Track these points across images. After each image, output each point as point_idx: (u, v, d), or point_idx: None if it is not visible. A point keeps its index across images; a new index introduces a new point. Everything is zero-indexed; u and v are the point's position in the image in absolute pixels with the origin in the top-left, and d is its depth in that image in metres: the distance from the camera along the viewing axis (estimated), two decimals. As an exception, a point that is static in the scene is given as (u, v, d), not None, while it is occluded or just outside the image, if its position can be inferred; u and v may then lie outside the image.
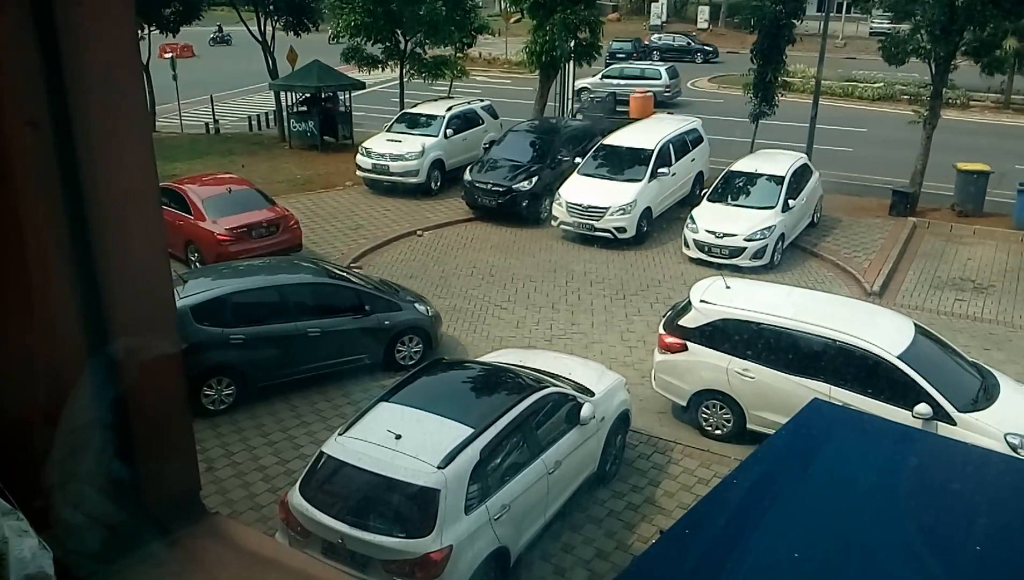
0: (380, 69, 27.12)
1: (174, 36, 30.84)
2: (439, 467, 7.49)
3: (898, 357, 9.95)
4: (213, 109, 31.53)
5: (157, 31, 29.03)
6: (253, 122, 31.13)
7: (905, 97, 33.32)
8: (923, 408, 9.55)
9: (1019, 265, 17.33)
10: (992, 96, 34.65)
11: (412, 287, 16.08)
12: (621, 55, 43.68)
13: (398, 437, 7.78)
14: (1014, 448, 9.26)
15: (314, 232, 18.95)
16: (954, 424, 9.50)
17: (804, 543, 4.82)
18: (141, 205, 1.53)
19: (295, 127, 27.10)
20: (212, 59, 49.00)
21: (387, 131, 22.91)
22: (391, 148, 21.81)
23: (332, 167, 24.35)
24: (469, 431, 7.93)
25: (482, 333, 14.27)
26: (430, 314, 13.23)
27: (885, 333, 10.42)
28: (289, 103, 27.37)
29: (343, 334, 12.26)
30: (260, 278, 12.75)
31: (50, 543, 1.31)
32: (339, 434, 8.22)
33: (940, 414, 9.56)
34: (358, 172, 22.14)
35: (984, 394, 10.07)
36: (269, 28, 29.21)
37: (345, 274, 13.72)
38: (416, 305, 13.27)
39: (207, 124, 30.57)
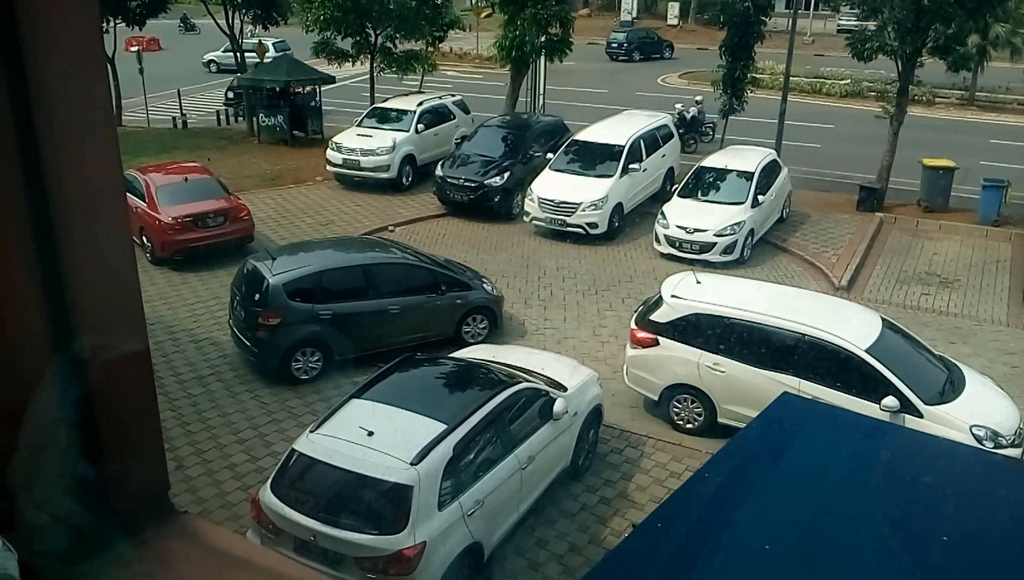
0: (350, 63, 26.94)
1: (140, 29, 30.39)
2: (412, 463, 7.46)
3: (866, 351, 10.08)
4: (181, 103, 31.14)
5: (123, 24, 28.57)
6: (221, 116, 30.79)
7: (872, 94, 33.71)
8: (890, 401, 9.69)
9: (983, 260, 17.63)
10: (957, 93, 35.17)
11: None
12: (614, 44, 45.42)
13: (370, 434, 7.74)
14: (979, 440, 9.43)
15: (284, 227, 18.80)
16: (921, 417, 9.64)
17: (775, 536, 4.86)
18: (106, 200, 1.50)
19: (264, 122, 26.85)
20: (179, 52, 48.39)
21: (358, 126, 22.76)
22: (362, 143, 21.68)
23: (302, 162, 24.15)
24: (442, 427, 7.91)
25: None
26: (496, 294, 13.87)
27: (853, 327, 10.55)
28: (227, 96, 26.87)
29: (421, 311, 12.95)
30: (345, 257, 13.37)
31: (15, 544, 1.28)
32: (311, 431, 8.17)
33: (907, 407, 9.70)
34: (328, 167, 21.99)
35: (950, 387, 10.23)
36: (237, 22, 28.88)
37: (423, 255, 14.16)
38: (484, 285, 13.90)
39: (174, 118, 30.18)
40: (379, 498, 7.64)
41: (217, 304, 14.91)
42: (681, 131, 23.42)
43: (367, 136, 21.91)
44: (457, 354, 10.94)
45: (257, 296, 11.98)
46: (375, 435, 7.73)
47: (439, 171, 20.17)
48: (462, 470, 7.91)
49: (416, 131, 22.22)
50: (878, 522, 5.04)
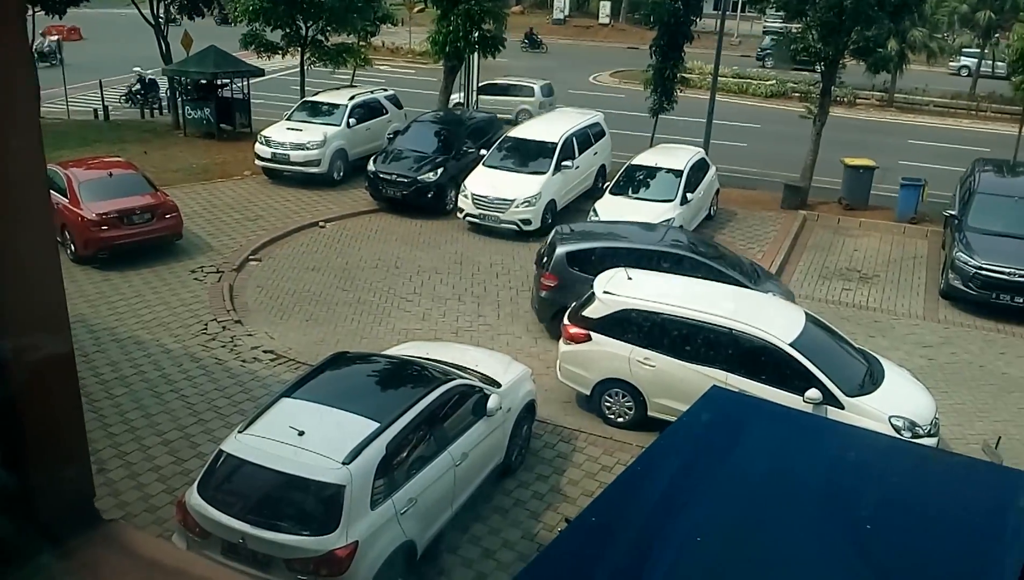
0: (280, 56, 26.46)
1: (60, 18, 29.26)
2: (344, 463, 7.38)
3: (790, 345, 10.37)
4: (102, 94, 30.13)
5: (43, 12, 27.44)
6: (145, 109, 29.90)
7: (796, 94, 34.62)
8: (813, 393, 9.99)
9: (901, 256, 18.30)
10: (877, 94, 36.39)
11: (315, 279, 15.87)
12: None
13: (301, 433, 7.63)
14: (898, 430, 9.79)
15: (210, 223, 18.39)
16: (842, 408, 9.96)
17: (706, 527, 4.97)
18: (27, 194, 1.44)
19: (190, 114, 26.20)
20: (101, 42, 46.78)
21: (287, 119, 22.38)
22: (292, 137, 21.34)
23: (229, 156, 23.65)
24: (375, 426, 7.84)
25: (388, 326, 14.14)
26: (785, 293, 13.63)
27: (778, 322, 10.84)
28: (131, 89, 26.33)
29: None
30: (637, 239, 14.06)
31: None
32: (239, 431, 8.00)
33: (829, 399, 10.02)
34: (257, 161, 21.58)
35: (870, 379, 10.59)
36: (162, 11, 28.06)
37: (721, 256, 14.05)
38: (771, 283, 13.85)
39: (95, 110, 29.20)
40: (310, 498, 7.54)
41: (141, 302, 14.52)
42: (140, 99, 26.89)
43: (297, 130, 21.56)
44: (389, 351, 10.87)
45: (545, 259, 13.56)
46: (305, 434, 7.62)
47: (371, 166, 19.97)
48: (395, 468, 7.85)
49: (348, 125, 21.98)
50: (804, 511, 5.20)
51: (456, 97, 26.98)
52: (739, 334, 10.64)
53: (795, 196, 20.79)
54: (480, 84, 28.42)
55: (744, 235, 18.99)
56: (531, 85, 30.76)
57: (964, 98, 36.99)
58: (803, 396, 9.97)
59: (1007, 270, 15.03)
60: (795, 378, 10.18)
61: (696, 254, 13.56)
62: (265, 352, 12.96)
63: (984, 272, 15.13)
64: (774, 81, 37.95)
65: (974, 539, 4.89)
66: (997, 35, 39.49)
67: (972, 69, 41.22)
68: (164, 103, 29.26)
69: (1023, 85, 27.05)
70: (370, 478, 7.49)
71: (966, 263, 15.37)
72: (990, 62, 41.62)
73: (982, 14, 37.70)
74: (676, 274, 12.58)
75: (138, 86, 29.58)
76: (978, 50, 40.69)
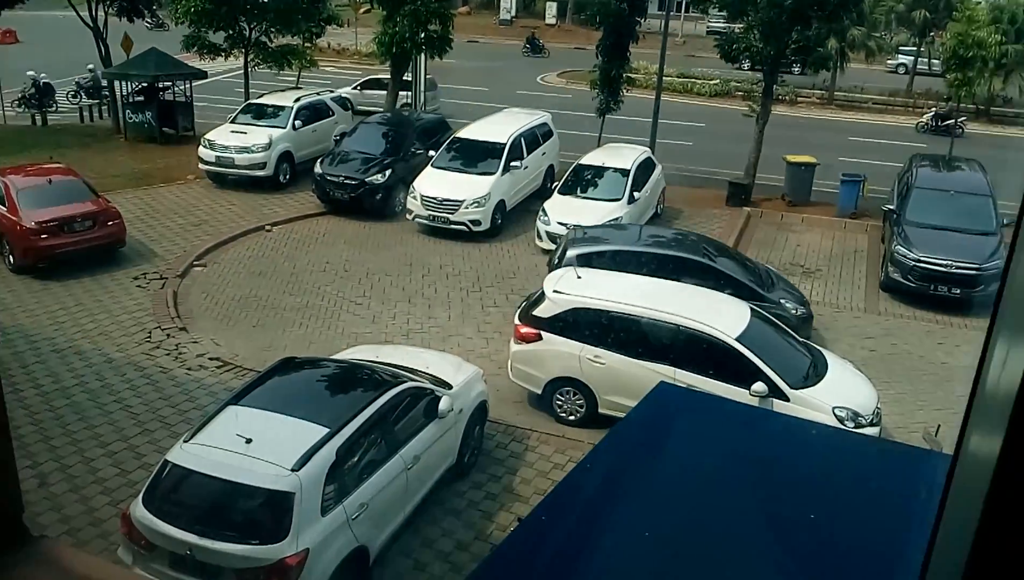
0: (223, 58, 26.04)
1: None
2: (293, 470, 7.30)
3: (736, 339, 10.54)
4: (41, 99, 29.27)
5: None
6: (85, 113, 29.18)
7: (740, 93, 35.15)
8: (759, 386, 10.17)
9: (842, 250, 18.70)
10: (818, 93, 37.11)
11: (261, 284, 15.67)
12: None
13: (248, 441, 7.53)
14: (841, 420, 10.01)
15: (153, 229, 18.04)
16: (787, 400, 10.16)
17: (654, 521, 5.02)
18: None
19: (131, 118, 25.64)
20: (39, 45, 45.52)
21: (231, 122, 22.04)
22: (236, 140, 21.02)
23: (172, 160, 23.21)
24: (324, 431, 7.77)
25: (337, 330, 14.02)
26: (798, 314, 13.36)
27: (724, 318, 11.01)
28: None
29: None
30: (648, 242, 14.30)
31: None
32: (184, 441, 7.87)
33: (775, 391, 10.21)
34: (200, 165, 21.21)
35: (813, 371, 10.82)
36: (102, 13, 27.38)
37: (725, 258, 14.01)
38: (784, 289, 13.92)
39: (33, 115, 28.41)
40: (259, 507, 7.45)
41: (82, 311, 14.18)
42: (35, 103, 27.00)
43: (242, 133, 21.25)
44: (338, 355, 10.78)
45: (557, 262, 13.66)
46: (253, 442, 7.52)
47: (318, 168, 19.78)
48: (346, 474, 7.79)
49: (293, 128, 21.74)
50: (751, 503, 5.29)
51: (404, 97, 26.86)
52: (686, 330, 10.79)
53: (740, 193, 21.11)
54: (363, 80, 27.93)
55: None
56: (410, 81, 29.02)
57: (901, 95, 37.93)
58: (749, 389, 10.14)
59: (944, 262, 15.45)
60: (741, 372, 10.35)
61: (707, 259, 13.68)
62: (211, 359, 12.75)
63: (922, 265, 15.54)
64: (718, 80, 38.47)
65: (893, 521, 5.01)
66: (933, 34, 40.60)
67: (909, 67, 42.27)
68: (104, 106, 28.58)
69: (956, 82, 27.87)
70: (320, 484, 7.42)
71: (904, 256, 15.76)
72: (926, 60, 42.77)
73: (918, 13, 38.71)
74: (687, 279, 12.66)
75: (33, 91, 28.84)
76: (915, 48, 41.76)
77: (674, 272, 12.88)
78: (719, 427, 6.45)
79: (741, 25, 21.78)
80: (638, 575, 4.61)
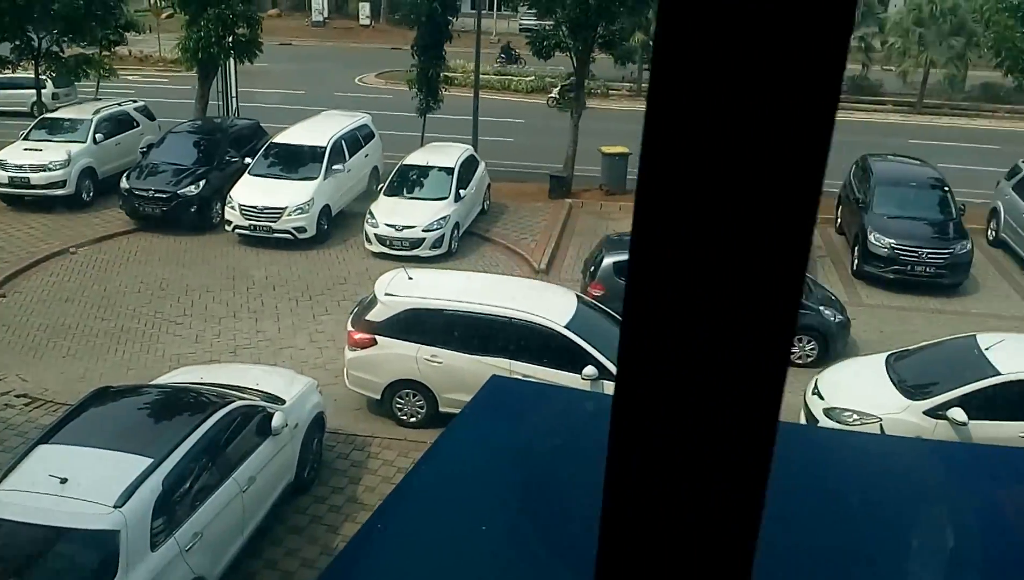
0: (11, 70, 23.96)
1: None
2: (116, 506, 6.87)
3: (564, 327, 10.88)
4: None
5: None
6: None
7: (554, 88, 36.14)
8: (590, 370, 10.54)
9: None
10: (627, 85, 38.75)
11: (70, 311, 14.62)
12: None
13: (63, 480, 7.01)
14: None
15: (-61, 260, 16.40)
16: (618, 381, 10.57)
17: (491, 515, 5.09)
18: None
19: (-98, 139, 23.14)
20: None
21: (24, 139, 20.34)
22: (31, 158, 19.42)
23: (-44, 184, 21.12)
24: (148, 462, 7.35)
25: (157, 353, 13.29)
26: (837, 321, 13.43)
27: (552, 307, 11.33)
28: None
29: None
30: None
31: None
32: (-10, 488, 7.22)
33: (605, 374, 10.58)
34: (-9, 187, 19.45)
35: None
36: None
37: None
38: (823, 309, 13.55)
39: None
40: (82, 549, 6.98)
41: None
42: None
43: (37, 150, 19.65)
44: (159, 380, 10.23)
45: (593, 269, 13.65)
46: (69, 481, 7.01)
47: (124, 183, 18.62)
48: (175, 504, 7.42)
49: (95, 141, 20.33)
50: (585, 487, 5.47)
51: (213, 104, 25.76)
52: (517, 322, 11.01)
53: (560, 186, 21.73)
54: None
55: (517, 226, 19.60)
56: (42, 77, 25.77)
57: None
58: (581, 374, 10.49)
59: (907, 245, 16.33)
60: (572, 358, 10.69)
61: None
62: (17, 397, 11.76)
63: (896, 250, 16.34)
64: (533, 77, 39.36)
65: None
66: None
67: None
68: None
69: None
70: (147, 518, 7.02)
71: (878, 242, 16.54)
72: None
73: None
74: None
75: None
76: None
77: None
78: (552, 413, 6.61)
79: (551, 22, 22.39)
80: (480, 571, 4.67)
